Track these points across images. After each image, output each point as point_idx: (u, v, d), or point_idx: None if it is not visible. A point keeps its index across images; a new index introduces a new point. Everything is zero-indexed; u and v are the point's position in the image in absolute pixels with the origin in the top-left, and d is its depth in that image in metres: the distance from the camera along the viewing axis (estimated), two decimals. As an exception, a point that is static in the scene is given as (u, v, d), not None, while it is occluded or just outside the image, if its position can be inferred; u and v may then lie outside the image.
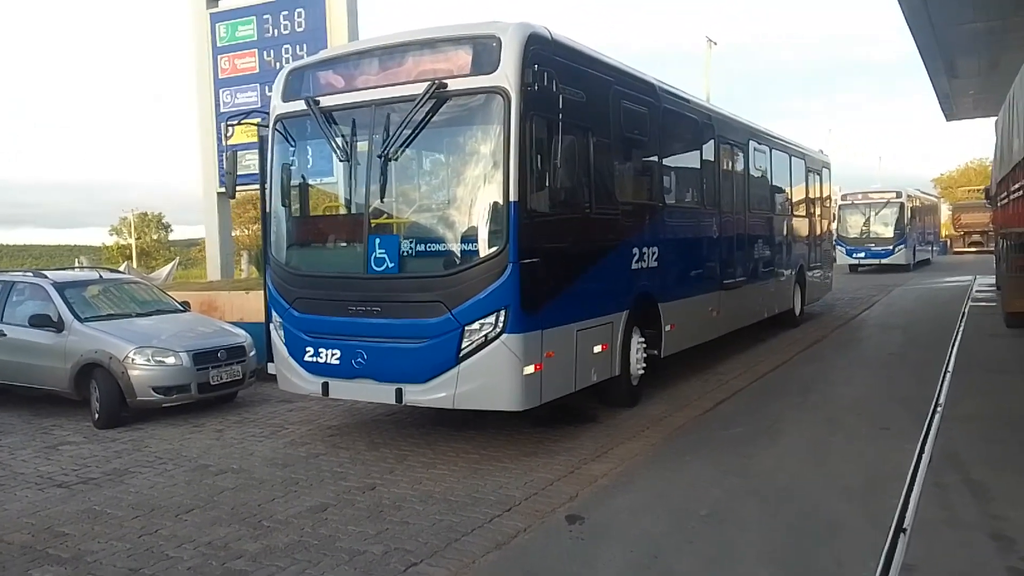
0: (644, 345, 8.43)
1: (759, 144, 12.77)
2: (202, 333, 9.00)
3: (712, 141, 10.70)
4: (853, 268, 31.34)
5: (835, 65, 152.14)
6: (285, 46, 13.53)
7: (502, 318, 6.14)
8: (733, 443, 6.82)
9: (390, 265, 6.49)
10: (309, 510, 5.50)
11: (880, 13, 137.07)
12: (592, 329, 7.27)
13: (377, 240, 6.57)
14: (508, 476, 6.07)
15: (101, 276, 10.02)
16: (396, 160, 6.55)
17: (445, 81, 6.32)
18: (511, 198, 6.11)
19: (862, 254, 31.22)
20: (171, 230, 71.68)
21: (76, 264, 23.22)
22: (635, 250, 8.16)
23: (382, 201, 6.68)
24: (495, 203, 6.19)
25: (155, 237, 69.88)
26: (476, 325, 6.18)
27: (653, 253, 8.54)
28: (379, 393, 6.59)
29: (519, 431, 7.28)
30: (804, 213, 15.57)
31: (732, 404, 8.45)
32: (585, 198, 7.28)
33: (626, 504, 5.41)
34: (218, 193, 14.64)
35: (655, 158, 9.00)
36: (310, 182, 7.31)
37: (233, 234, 21.17)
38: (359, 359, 6.58)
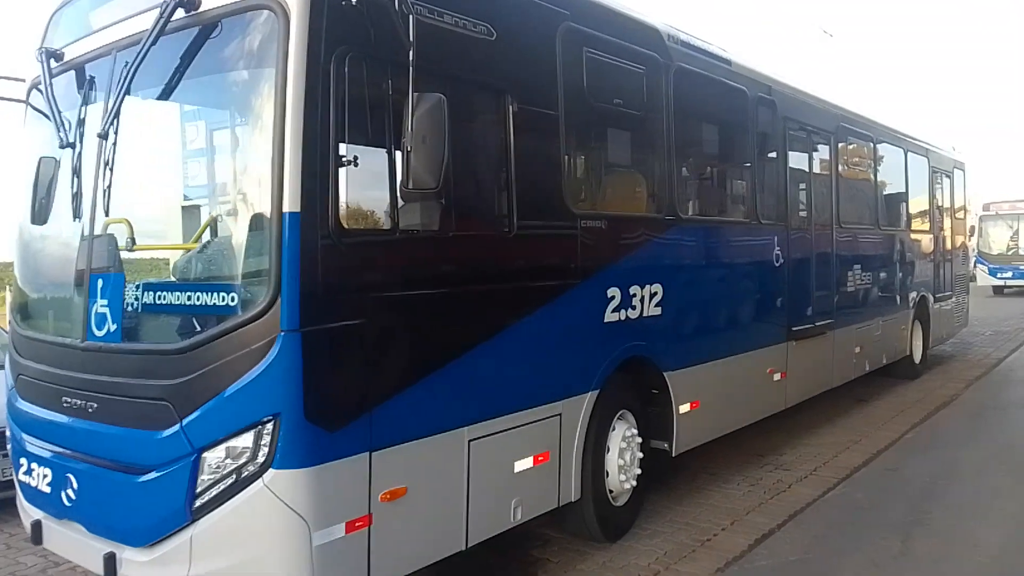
0: (639, 441, 5.28)
1: (855, 133, 9.19)
2: None
3: (773, 124, 7.30)
4: (998, 290, 26.44)
5: (971, 54, 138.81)
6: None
7: (267, 438, 3.19)
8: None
9: (112, 328, 3.67)
10: None
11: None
12: (511, 432, 4.20)
13: (99, 283, 3.77)
14: None
15: None
16: (122, 143, 3.75)
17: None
18: (286, 207, 3.16)
19: (1009, 274, 26.29)
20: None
21: None
22: (613, 291, 4.99)
23: (108, 214, 3.87)
24: (257, 216, 3.28)
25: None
26: (220, 450, 3.26)
27: (653, 294, 5.34)
28: (87, 553, 3.74)
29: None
30: (927, 227, 11.65)
31: (784, 544, 5.09)
32: (497, 205, 4.24)
33: None
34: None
35: (661, 146, 5.70)
36: (54, 184, 4.57)
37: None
38: (70, 489, 3.80)
